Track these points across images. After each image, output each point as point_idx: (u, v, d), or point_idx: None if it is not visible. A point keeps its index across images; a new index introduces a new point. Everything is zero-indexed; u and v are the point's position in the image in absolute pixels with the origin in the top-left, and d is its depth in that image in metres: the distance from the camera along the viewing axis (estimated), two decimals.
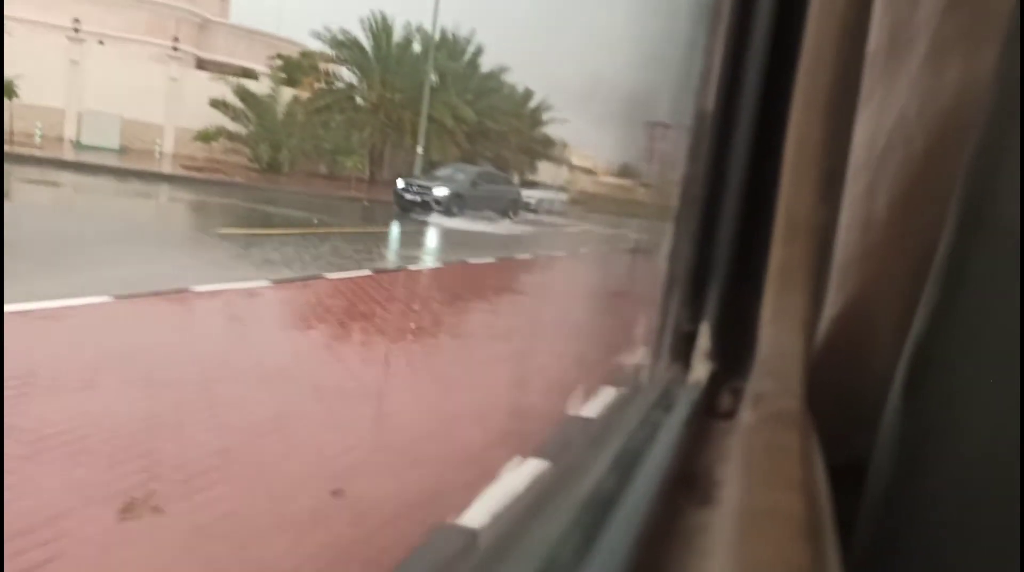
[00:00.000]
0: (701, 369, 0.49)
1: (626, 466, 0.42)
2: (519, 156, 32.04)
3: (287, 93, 21.62)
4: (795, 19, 0.45)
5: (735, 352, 0.48)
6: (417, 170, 21.92)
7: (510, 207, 19.43)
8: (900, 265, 0.52)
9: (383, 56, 24.40)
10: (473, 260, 9.46)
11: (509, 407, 3.68)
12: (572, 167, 44.05)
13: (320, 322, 5.19)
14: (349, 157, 21.05)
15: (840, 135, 0.49)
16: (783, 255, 0.48)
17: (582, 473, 0.42)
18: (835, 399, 0.52)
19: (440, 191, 16.60)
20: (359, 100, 23.30)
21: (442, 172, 18.47)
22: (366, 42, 24.68)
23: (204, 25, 26.96)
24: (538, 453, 2.34)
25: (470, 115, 25.68)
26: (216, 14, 24.90)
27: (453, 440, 3.11)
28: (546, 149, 34.41)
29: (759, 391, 0.47)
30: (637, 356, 0.62)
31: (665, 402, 0.47)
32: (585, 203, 40.49)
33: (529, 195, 28.19)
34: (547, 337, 5.55)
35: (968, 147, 0.43)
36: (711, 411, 0.47)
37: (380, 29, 24.62)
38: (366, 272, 7.37)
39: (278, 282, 6.17)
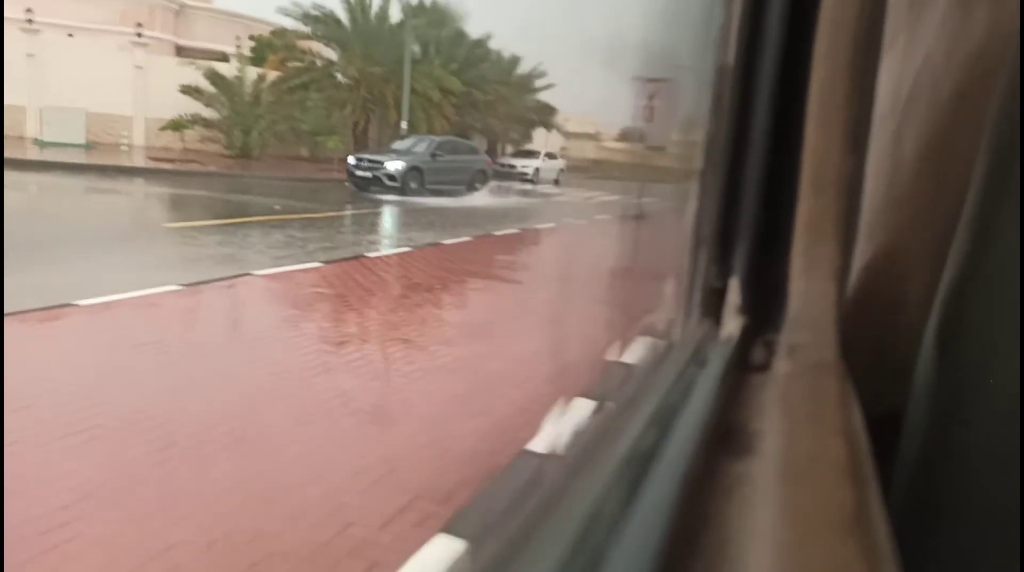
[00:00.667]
0: (733, 324, 0.52)
1: (664, 420, 0.45)
2: (510, 125, 32.08)
3: (257, 74, 21.41)
4: None
5: (766, 306, 0.51)
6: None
7: (477, 179, 18.71)
8: (930, 213, 0.55)
9: (361, 28, 24.27)
10: (448, 241, 9.28)
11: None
12: (572, 134, 44.23)
13: (196, 356, 4.20)
14: (329, 137, 20.95)
15: (864, 83, 0.52)
16: (811, 207, 0.51)
17: (622, 427, 0.45)
18: (868, 350, 0.55)
19: (394, 165, 15.76)
20: (339, 76, 23.10)
21: (399, 144, 17.88)
22: (343, 15, 24.55)
23: (181, 11, 27.05)
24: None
25: (456, 85, 25.61)
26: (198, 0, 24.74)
27: None
28: (541, 117, 34.45)
29: (793, 342, 0.50)
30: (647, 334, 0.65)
31: (699, 358, 0.50)
32: (588, 170, 40.98)
33: (525, 165, 28.37)
34: (527, 339, 5.10)
35: (996, 91, 0.46)
36: (745, 364, 0.49)
37: (358, 3, 24.45)
38: (314, 264, 6.86)
39: (191, 286, 5.52)
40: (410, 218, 11.88)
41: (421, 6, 25.48)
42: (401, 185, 15.43)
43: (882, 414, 0.51)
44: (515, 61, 33.36)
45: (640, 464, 0.43)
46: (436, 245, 8.78)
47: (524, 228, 11.68)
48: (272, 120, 21.32)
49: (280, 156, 22.07)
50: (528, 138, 35.49)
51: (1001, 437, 0.45)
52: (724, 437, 0.46)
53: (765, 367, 0.50)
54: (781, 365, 0.49)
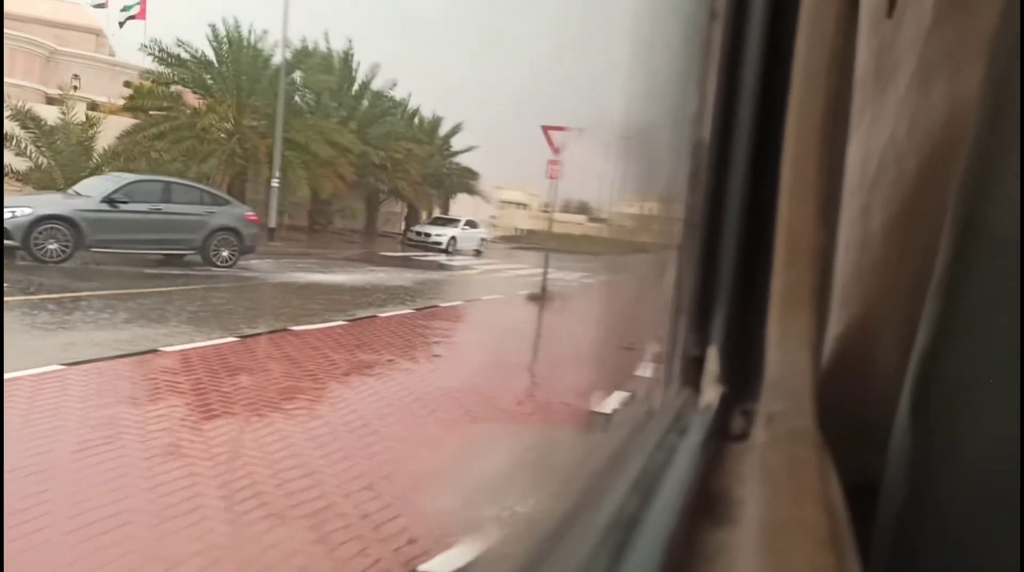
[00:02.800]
0: (711, 392, 0.63)
1: (646, 488, 0.55)
2: (424, 189, 33.26)
3: (87, 118, 21.36)
4: (784, 48, 0.61)
5: (744, 375, 0.62)
6: (272, 208, 22.17)
7: (220, 243, 15.32)
8: (900, 282, 0.68)
9: (235, 74, 24.72)
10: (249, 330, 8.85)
11: None
12: (506, 203, 47.51)
13: None
14: None
15: (835, 159, 0.65)
16: (785, 278, 0.63)
17: (605, 491, 0.54)
18: (843, 419, 0.66)
19: (22, 212, 12.13)
20: (211, 125, 23.27)
21: (82, 185, 15.00)
22: (215, 57, 25.15)
23: (51, 58, 27.45)
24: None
25: (350, 141, 26.28)
26: (92, 49, 25.29)
27: None
28: (461, 180, 36.10)
29: (771, 411, 0.60)
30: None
31: (679, 425, 0.61)
32: (521, 240, 43.62)
33: (440, 233, 29.24)
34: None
35: (959, 163, 0.59)
36: (724, 433, 0.60)
37: (231, 42, 24.94)
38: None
39: None
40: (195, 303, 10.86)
41: (304, 51, 26.27)
42: (22, 245, 11.97)
43: (859, 482, 0.62)
44: (437, 121, 35.33)
45: (623, 531, 0.52)
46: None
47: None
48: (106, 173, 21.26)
49: None
50: (447, 203, 37.83)
51: (978, 502, 0.56)
52: (705, 505, 0.56)
53: (744, 436, 0.61)
54: (759, 434, 0.60)
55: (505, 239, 45.65)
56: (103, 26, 26.21)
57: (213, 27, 24.62)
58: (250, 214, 16.49)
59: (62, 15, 30.90)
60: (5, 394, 5.24)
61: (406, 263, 21.78)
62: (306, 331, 9.00)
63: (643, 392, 0.76)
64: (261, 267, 15.84)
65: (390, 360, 8.16)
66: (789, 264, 0.62)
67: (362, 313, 10.89)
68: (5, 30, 25.88)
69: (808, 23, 0.60)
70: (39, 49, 27.34)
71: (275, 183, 22.28)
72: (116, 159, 21.39)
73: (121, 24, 25.75)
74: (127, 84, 24.22)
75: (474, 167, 36.82)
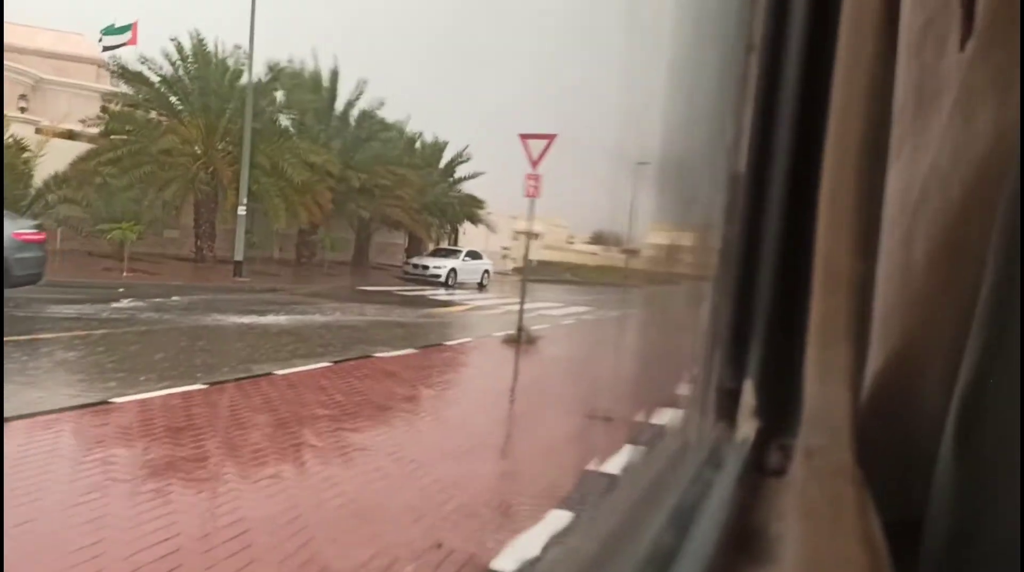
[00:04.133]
0: (747, 427, 0.70)
1: (682, 522, 0.61)
2: (424, 218, 33.62)
3: (58, 145, 21.54)
4: (822, 78, 0.69)
5: (781, 409, 0.69)
6: (239, 240, 22.35)
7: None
8: (943, 313, 0.75)
9: (204, 93, 25.00)
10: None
11: None
12: (520, 233, 48.83)
13: None
14: (123, 227, 20.74)
15: (873, 189, 0.73)
16: (824, 310, 0.70)
17: (641, 522, 0.60)
18: (885, 454, 0.73)
19: None
20: (172, 148, 23.55)
21: None
22: (181, 72, 25.35)
23: (37, 87, 28.36)
24: None
25: (329, 163, 26.41)
26: (93, 79, 26.14)
27: None
28: (463, 209, 36.59)
29: (810, 446, 0.67)
30: None
31: (715, 459, 0.68)
32: (534, 272, 43.89)
33: (438, 266, 29.54)
34: None
35: (1004, 191, 0.66)
36: (761, 468, 0.67)
37: (196, 58, 25.20)
38: None
39: None
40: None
41: (278, 68, 26.60)
42: None
43: (902, 517, 0.68)
44: (438, 146, 36.19)
45: (661, 563, 0.58)
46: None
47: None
48: (49, 205, 21.28)
49: (77, 251, 22.00)
50: (452, 233, 39.28)
51: None
52: (742, 541, 0.62)
53: (782, 472, 0.67)
54: (798, 469, 0.66)
55: (519, 271, 46.57)
56: (105, 57, 26.83)
57: (176, 42, 24.90)
58: (27, 232, 12.94)
59: (63, 46, 32.78)
60: None
61: (383, 298, 21.73)
62: (118, 405, 7.21)
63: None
64: (175, 307, 15.02)
65: (205, 470, 5.71)
66: (827, 296, 0.69)
67: (257, 369, 9.56)
68: None
69: (846, 55, 0.67)
70: (23, 78, 28.83)
71: (242, 211, 22.29)
72: (63, 185, 21.53)
73: (106, 49, 26.29)
74: (103, 110, 24.67)
75: (491, 196, 37.49)
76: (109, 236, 20.62)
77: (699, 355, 0.79)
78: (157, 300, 15.63)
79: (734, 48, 0.78)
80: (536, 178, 14.70)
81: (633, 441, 6.39)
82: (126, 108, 24.46)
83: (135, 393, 7.65)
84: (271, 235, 28.55)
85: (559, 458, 7.02)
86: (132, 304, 14.77)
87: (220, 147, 24.55)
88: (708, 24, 0.98)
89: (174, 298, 16.24)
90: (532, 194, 14.83)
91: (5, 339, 9.60)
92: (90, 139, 24.48)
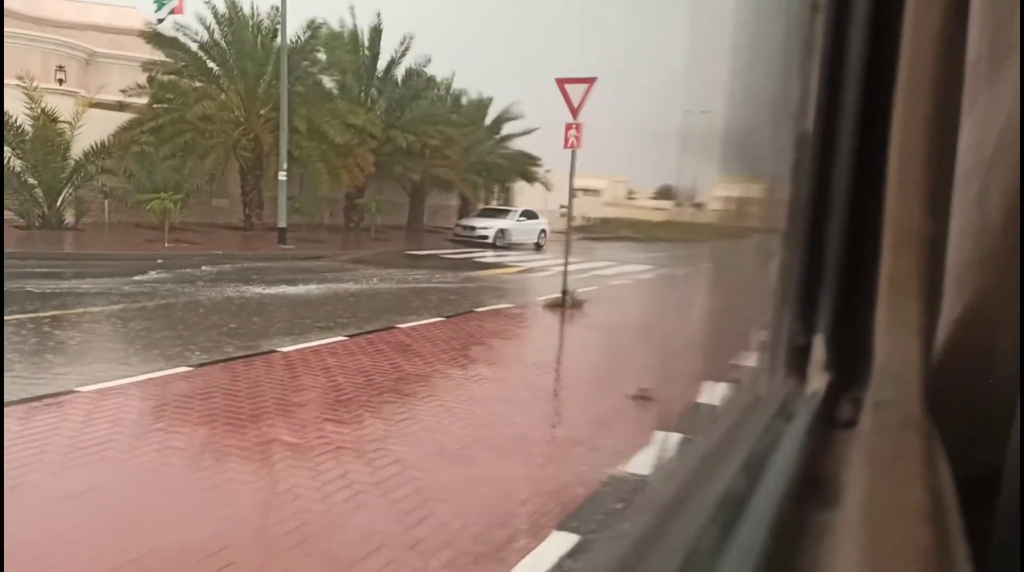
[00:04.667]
0: (818, 381, 0.75)
1: (754, 468, 0.67)
2: (470, 178, 33.75)
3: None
4: (890, 37, 0.74)
5: (851, 363, 0.75)
6: (281, 206, 22.69)
7: None
8: (1019, 268, 0.79)
9: (240, 57, 25.36)
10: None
11: None
12: (580, 190, 49.76)
13: None
14: (162, 197, 21.10)
15: (944, 144, 0.77)
16: (894, 265, 0.75)
17: (715, 470, 0.66)
18: (958, 410, 0.78)
19: None
20: (207, 115, 23.93)
21: None
22: (218, 37, 25.73)
23: (91, 60, 29.41)
24: None
25: (369, 123, 26.63)
26: (148, 52, 26.99)
27: None
28: (517, 167, 36.58)
29: (879, 399, 0.72)
30: None
31: (785, 412, 0.74)
32: (594, 230, 45.75)
33: (486, 226, 29.61)
34: None
35: None
36: (831, 420, 0.72)
37: (231, 21, 25.52)
38: None
39: None
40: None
41: (315, 26, 26.64)
42: None
43: (976, 474, 0.74)
44: (484, 103, 36.24)
45: (733, 508, 0.64)
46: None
47: None
48: (89, 176, 21.97)
49: (125, 223, 22.76)
50: (505, 193, 40.14)
51: None
52: (812, 489, 0.68)
53: (852, 423, 0.73)
54: (867, 421, 0.72)
55: (578, 229, 47.64)
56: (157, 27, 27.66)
57: (211, 4, 25.17)
58: None
59: (117, 20, 34.19)
60: None
61: (428, 263, 21.95)
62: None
63: None
64: (203, 277, 15.29)
65: None
66: (897, 252, 0.74)
67: (266, 345, 9.50)
68: (38, 35, 28.81)
69: (914, 11, 0.72)
70: (76, 52, 30.00)
71: (282, 176, 22.52)
72: (104, 156, 22.13)
73: (160, 21, 26.88)
74: (149, 80, 25.21)
75: (550, 153, 37.54)
76: (148, 206, 21.07)
77: (768, 311, 0.85)
78: (186, 270, 15.96)
79: (800, 8, 0.83)
80: (578, 127, 13.98)
81: (677, 427, 6.15)
82: (165, 76, 24.88)
83: (80, 385, 7.13)
84: (319, 201, 29.01)
85: (579, 464, 5.91)
86: (158, 276, 15.07)
87: (263, 113, 24.84)
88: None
89: (203, 268, 16.59)
90: (574, 145, 14.11)
91: None
92: (133, 109, 25.07)
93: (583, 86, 13.63)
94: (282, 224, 22.77)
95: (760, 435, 0.72)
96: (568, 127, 14.17)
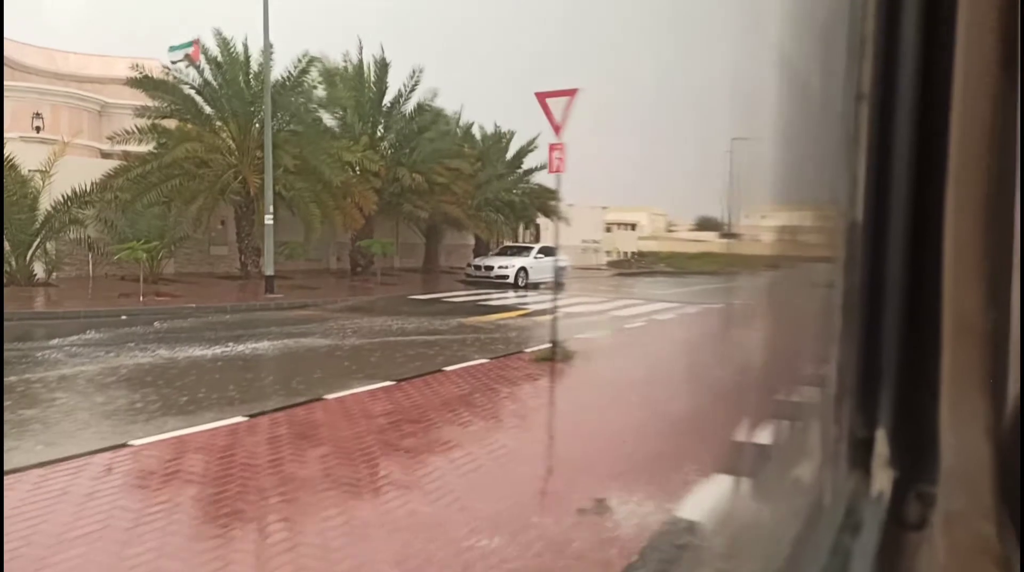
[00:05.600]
0: (883, 477, 0.79)
1: None
2: (487, 215, 34.09)
3: (93, 164, 22.24)
4: (939, 123, 0.79)
5: (917, 456, 0.79)
6: (268, 252, 22.61)
7: None
8: None
9: (231, 97, 25.84)
10: None
11: None
12: (612, 225, 51.73)
13: None
14: (129, 246, 20.61)
15: (1001, 230, 0.81)
16: (955, 357, 0.79)
17: None
18: None
19: None
20: (190, 156, 24.28)
21: None
22: (209, 77, 26.17)
23: (104, 112, 30.44)
24: None
25: (367, 162, 27.04)
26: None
27: None
28: (535, 203, 37.04)
29: (950, 506, 0.76)
30: None
31: (852, 519, 0.77)
32: (629, 265, 47.86)
33: (504, 266, 29.71)
34: None
35: None
36: (899, 521, 0.76)
37: (219, 60, 25.90)
38: None
39: None
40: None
41: (308, 63, 26.96)
42: None
43: None
44: (499, 137, 37.22)
45: None
46: None
47: None
48: (59, 228, 22.02)
49: (112, 276, 23.05)
50: (527, 228, 41.29)
51: None
52: None
53: (921, 524, 0.77)
54: (938, 527, 0.75)
55: (613, 264, 50.68)
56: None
57: (201, 45, 25.72)
58: None
59: (137, 72, 35.27)
60: None
61: (427, 308, 21.62)
62: None
63: None
64: (136, 337, 14.50)
65: None
66: (958, 343, 0.78)
67: (111, 439, 7.59)
68: (48, 88, 30.10)
69: (962, 99, 0.76)
70: (88, 104, 31.50)
71: (268, 220, 22.44)
72: (76, 206, 22.17)
73: (174, 62, 27.51)
74: (153, 126, 25.72)
75: (576, 187, 38.20)
76: (117, 257, 20.92)
77: (827, 404, 0.89)
78: (133, 329, 15.44)
79: (844, 97, 0.88)
80: (560, 148, 12.97)
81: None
82: (152, 121, 25.27)
83: None
84: (324, 244, 29.14)
85: None
86: (92, 336, 14.30)
87: (259, 154, 25.08)
88: (815, 76, 1.07)
89: (155, 325, 16.16)
90: (558, 169, 13.15)
91: None
92: (119, 156, 25.50)
93: (565, 99, 12.67)
94: (269, 271, 22.56)
95: (829, 558, 0.76)
96: (552, 148, 13.26)
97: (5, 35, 21.71)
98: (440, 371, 11.83)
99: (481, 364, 12.65)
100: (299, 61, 26.30)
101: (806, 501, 0.94)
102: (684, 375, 12.01)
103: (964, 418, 0.78)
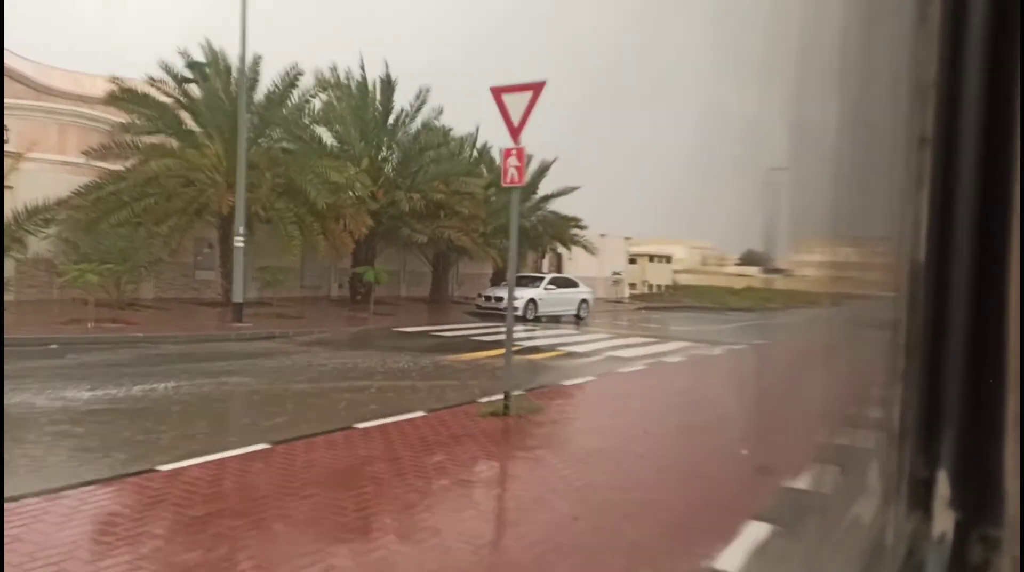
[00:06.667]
0: (945, 519, 0.87)
1: None
2: (495, 241, 34.30)
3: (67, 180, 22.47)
4: (1004, 168, 0.87)
5: (980, 499, 0.87)
6: (237, 277, 22.45)
7: None
8: None
9: (215, 111, 26.18)
10: None
11: None
12: (641, 256, 52.77)
13: None
14: (88, 268, 20.51)
15: None
16: (1019, 401, 0.86)
17: None
18: None
19: None
20: (161, 174, 24.55)
21: None
22: (195, 90, 26.62)
23: (113, 133, 31.40)
24: None
25: (359, 183, 27.14)
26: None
27: None
28: (553, 231, 37.87)
29: (1015, 555, 0.83)
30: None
31: (913, 561, 0.85)
32: (657, 298, 49.78)
33: (514, 295, 29.64)
34: None
35: None
36: (962, 563, 0.84)
37: (206, 72, 26.18)
38: None
39: None
40: None
41: (294, 78, 27.30)
42: None
43: None
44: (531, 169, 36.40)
45: None
46: None
47: None
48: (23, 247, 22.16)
49: (76, 299, 22.84)
50: (545, 256, 42.33)
51: None
52: None
53: (984, 568, 0.84)
54: None
55: (640, 297, 52.55)
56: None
57: (187, 57, 25.99)
58: None
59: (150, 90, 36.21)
60: None
61: (409, 343, 21.16)
62: None
63: None
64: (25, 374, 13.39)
65: None
66: (1021, 388, 0.85)
67: None
68: (55, 107, 30.30)
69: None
70: (97, 124, 31.48)
71: (238, 242, 22.43)
72: (45, 223, 22.60)
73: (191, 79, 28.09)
74: (132, 142, 26.06)
75: (604, 216, 38.66)
76: (63, 279, 20.84)
77: (889, 444, 0.97)
78: (30, 364, 14.67)
79: (907, 139, 0.96)
80: (518, 155, 11.55)
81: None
82: (130, 137, 25.66)
83: None
84: (325, 270, 29.12)
85: None
86: None
87: (262, 175, 25.27)
88: (877, 115, 1.17)
89: (69, 357, 15.68)
90: (514, 180, 11.58)
91: None
92: (92, 171, 25.71)
93: (526, 95, 11.24)
94: (237, 298, 22.45)
95: None
96: (507, 154, 11.76)
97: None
98: (350, 428, 10.21)
99: (410, 419, 10.95)
100: (287, 74, 26.59)
101: (867, 541, 1.02)
102: (672, 441, 10.75)
103: None
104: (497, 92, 11.40)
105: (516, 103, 11.31)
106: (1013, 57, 0.87)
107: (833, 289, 1.88)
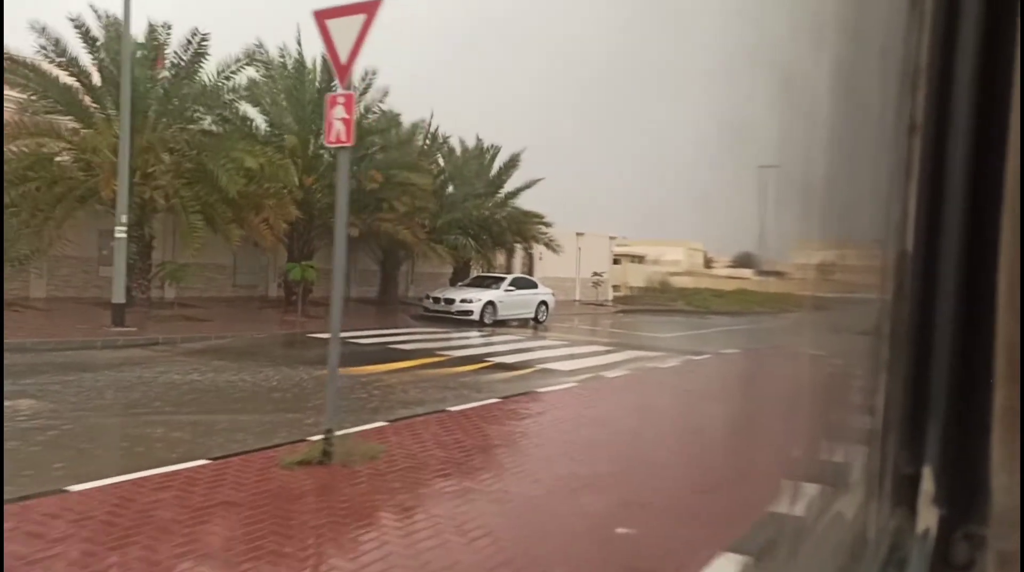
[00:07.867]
0: (929, 515, 0.94)
1: None
2: (451, 239, 34.02)
3: None
4: (994, 158, 0.93)
5: (966, 496, 0.93)
6: (118, 275, 21.44)
7: None
8: None
9: (115, 87, 25.07)
10: None
11: None
12: (623, 257, 53.38)
13: None
14: None
15: None
16: (1008, 395, 0.93)
17: None
18: None
19: None
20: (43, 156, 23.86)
21: None
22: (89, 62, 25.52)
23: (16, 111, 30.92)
24: None
25: (279, 169, 26.50)
26: None
27: None
28: (514, 228, 37.61)
29: (1002, 548, 0.89)
30: None
31: (896, 557, 0.91)
32: (635, 301, 50.56)
33: (469, 298, 29.36)
34: None
35: None
36: (946, 561, 0.91)
37: (110, 40, 25.17)
38: None
39: None
40: None
41: (202, 44, 26.24)
42: None
43: None
44: (481, 152, 37.92)
45: None
46: None
47: None
48: None
49: None
50: (514, 256, 42.63)
51: None
52: None
53: (969, 566, 0.91)
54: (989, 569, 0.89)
55: (621, 300, 53.15)
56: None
57: (80, 24, 24.77)
58: None
59: None
60: None
61: (318, 351, 18.41)
62: None
63: None
64: None
65: None
66: (1011, 380, 0.90)
67: None
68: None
69: (1020, 136, 0.90)
70: None
71: (119, 233, 21.41)
72: None
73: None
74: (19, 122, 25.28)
75: (583, 213, 38.68)
76: None
77: (872, 438, 1.03)
78: None
79: (896, 127, 1.03)
80: (347, 102, 9.41)
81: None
82: (22, 117, 24.85)
83: None
84: (264, 268, 28.71)
85: None
86: None
87: (149, 156, 24.39)
88: (868, 106, 1.24)
89: None
90: (338, 139, 9.41)
91: None
92: None
93: (356, 20, 9.19)
94: (118, 299, 21.40)
95: None
96: (332, 102, 9.64)
97: None
98: (62, 491, 7.18)
99: (171, 473, 8.20)
100: (189, 43, 25.65)
101: (849, 535, 1.09)
102: (540, 510, 7.53)
103: (1016, 457, 0.90)
104: (320, 17, 9.37)
105: (344, 31, 9.32)
106: (1009, 40, 0.93)
107: (819, 291, 1.92)
